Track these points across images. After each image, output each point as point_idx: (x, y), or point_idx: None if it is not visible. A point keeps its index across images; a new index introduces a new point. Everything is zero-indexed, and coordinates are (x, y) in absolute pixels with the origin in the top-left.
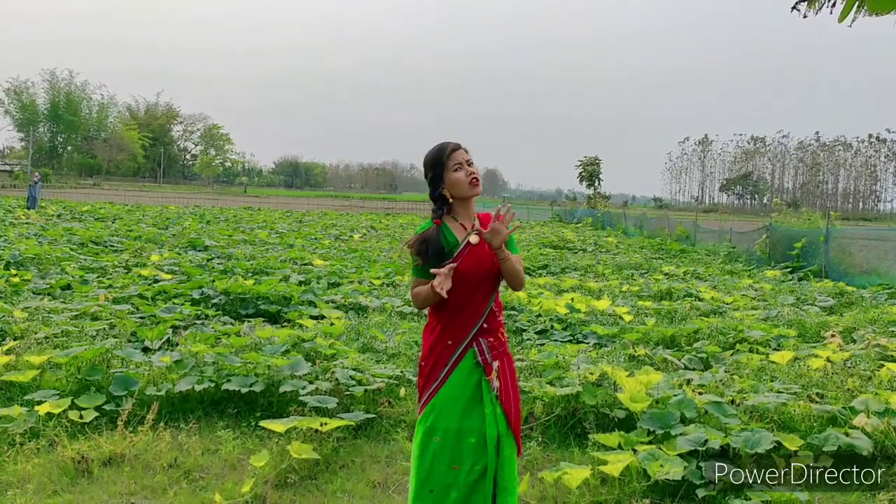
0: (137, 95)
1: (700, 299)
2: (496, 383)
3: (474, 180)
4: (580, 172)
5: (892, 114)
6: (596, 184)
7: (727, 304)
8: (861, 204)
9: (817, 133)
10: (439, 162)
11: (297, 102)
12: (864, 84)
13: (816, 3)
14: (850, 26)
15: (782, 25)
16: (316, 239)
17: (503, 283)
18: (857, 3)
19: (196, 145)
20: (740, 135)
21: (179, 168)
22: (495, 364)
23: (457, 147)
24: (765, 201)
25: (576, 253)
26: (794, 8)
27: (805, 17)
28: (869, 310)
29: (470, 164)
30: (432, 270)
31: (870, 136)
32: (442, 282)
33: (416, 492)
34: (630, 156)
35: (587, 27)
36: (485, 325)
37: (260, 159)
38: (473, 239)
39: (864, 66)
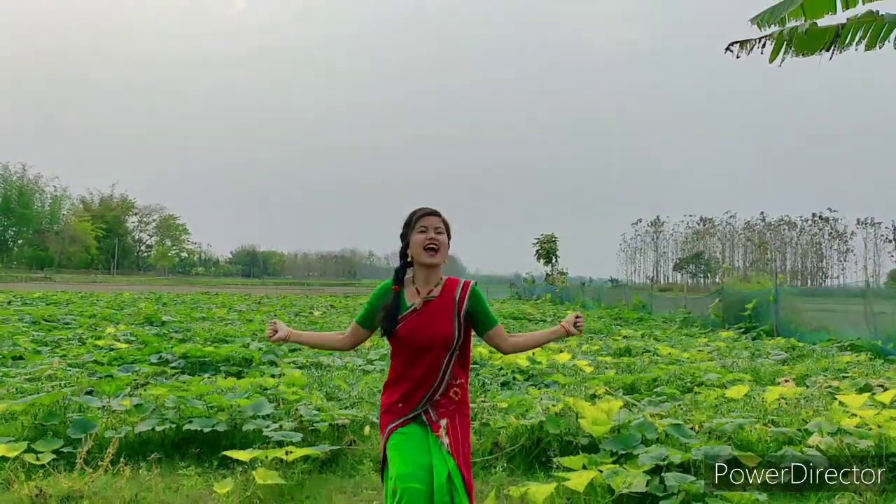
0: (92, 188)
1: (658, 355)
2: (446, 440)
3: (430, 246)
4: (537, 250)
5: (832, 193)
6: (553, 261)
7: (685, 359)
8: (809, 281)
9: (762, 213)
10: (409, 222)
11: (254, 191)
12: (803, 163)
13: (748, 45)
14: (780, 66)
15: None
16: (276, 315)
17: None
18: (784, 44)
19: (151, 236)
20: (690, 216)
21: (134, 259)
22: (443, 422)
23: (431, 213)
24: (717, 279)
25: (536, 323)
26: (727, 49)
27: (738, 57)
28: (820, 360)
29: (438, 231)
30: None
31: (813, 214)
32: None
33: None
34: (585, 239)
35: (537, 118)
36: (436, 397)
37: (217, 249)
38: (417, 303)
39: (802, 147)
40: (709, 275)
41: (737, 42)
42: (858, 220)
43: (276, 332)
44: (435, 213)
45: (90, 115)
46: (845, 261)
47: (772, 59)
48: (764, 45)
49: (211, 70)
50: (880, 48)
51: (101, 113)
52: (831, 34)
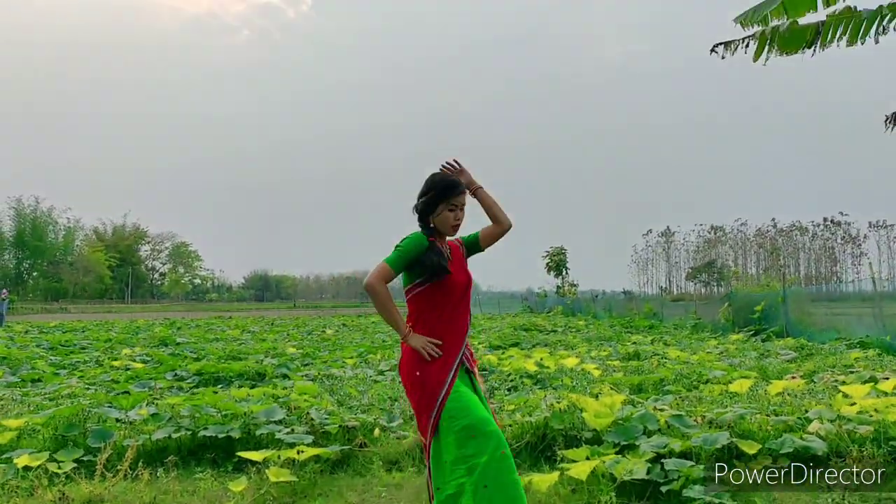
0: (105, 217)
1: (667, 358)
2: (483, 385)
3: (456, 226)
4: (547, 263)
5: (843, 197)
6: (563, 273)
7: (693, 361)
8: (824, 286)
9: (774, 219)
10: (445, 193)
11: (265, 215)
12: (814, 168)
13: (732, 46)
14: (765, 65)
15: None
16: (288, 335)
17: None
18: (767, 43)
19: (164, 264)
20: (700, 225)
21: (148, 287)
22: (476, 367)
23: (462, 190)
24: (731, 290)
25: (546, 334)
26: (712, 50)
27: (723, 58)
28: (829, 357)
29: (463, 207)
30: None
31: (825, 219)
32: (432, 350)
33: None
34: (597, 252)
35: (539, 130)
36: (470, 333)
37: (229, 275)
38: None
39: (812, 148)
40: (721, 283)
41: (721, 43)
42: (870, 223)
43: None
44: (464, 191)
45: (100, 145)
46: (859, 264)
47: (756, 59)
48: (748, 45)
49: (218, 93)
50: (862, 44)
51: (110, 142)
52: (812, 32)
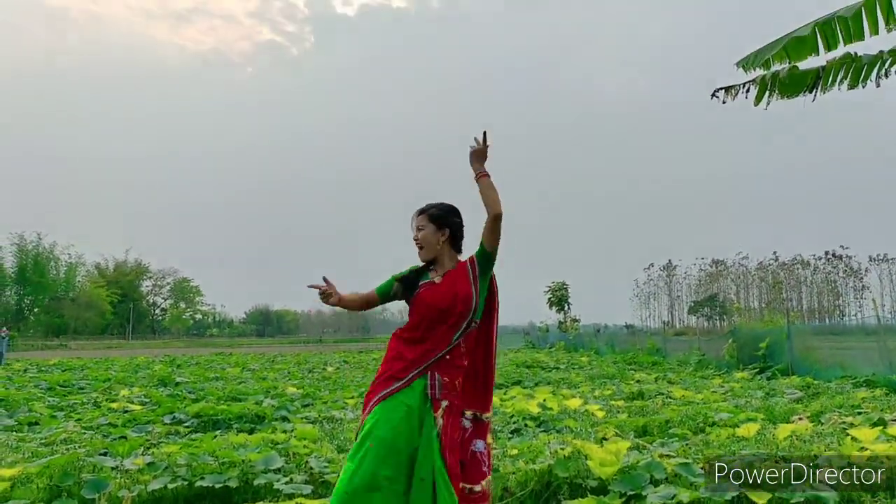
0: (106, 254)
1: (671, 397)
2: (440, 421)
3: (419, 248)
4: (549, 298)
5: (843, 231)
6: (565, 308)
7: (698, 400)
8: (827, 319)
9: (775, 253)
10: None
11: (267, 250)
12: (813, 201)
13: (733, 90)
14: (766, 108)
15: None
16: (289, 373)
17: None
18: (767, 88)
19: (165, 299)
20: (702, 258)
21: (149, 323)
22: (443, 403)
23: (416, 213)
24: (732, 324)
25: (549, 371)
26: (713, 95)
27: (724, 102)
28: (835, 397)
29: (419, 229)
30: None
31: (826, 253)
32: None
33: (343, 482)
34: (598, 286)
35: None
36: (447, 357)
37: (231, 310)
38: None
39: (810, 184)
40: (724, 317)
41: (722, 88)
42: (871, 256)
43: (330, 295)
44: (419, 213)
45: (102, 181)
46: (862, 297)
47: (756, 103)
48: (748, 90)
49: (221, 129)
50: (863, 87)
51: (112, 177)
52: (813, 76)
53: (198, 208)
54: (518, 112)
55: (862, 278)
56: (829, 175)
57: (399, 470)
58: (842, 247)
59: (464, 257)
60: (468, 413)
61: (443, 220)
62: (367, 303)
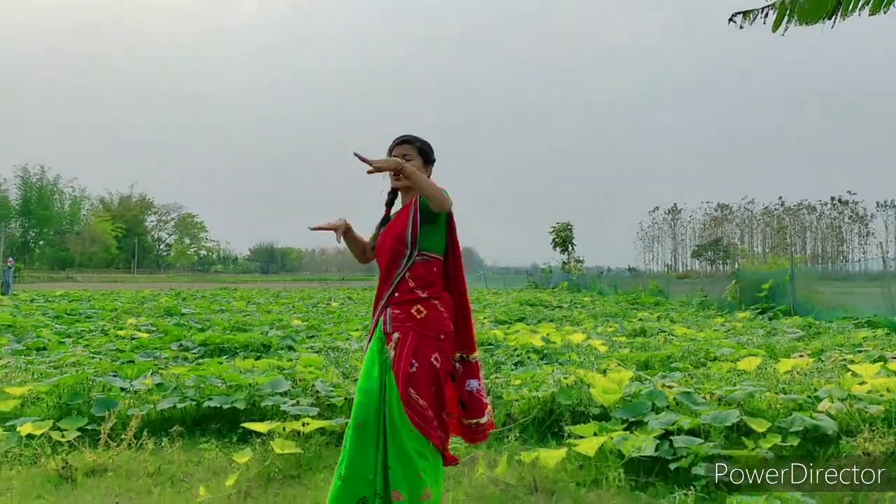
0: (111, 187)
1: (673, 335)
2: (391, 353)
3: (393, 174)
4: (553, 239)
5: (851, 176)
6: (570, 249)
7: (700, 338)
8: (830, 265)
9: (781, 198)
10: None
11: (271, 188)
12: (821, 146)
13: (751, 15)
14: (784, 35)
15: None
16: (293, 307)
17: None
18: (787, 13)
19: (170, 235)
20: (707, 202)
21: (154, 258)
22: (395, 335)
23: (400, 142)
24: (736, 266)
25: (552, 309)
26: (730, 20)
27: (741, 27)
28: (836, 336)
29: (406, 158)
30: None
31: (832, 198)
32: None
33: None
34: (602, 229)
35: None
36: (396, 295)
37: (235, 247)
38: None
39: (820, 128)
40: (727, 261)
41: (739, 13)
42: (878, 202)
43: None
44: (403, 142)
45: (107, 116)
46: (866, 244)
47: (775, 29)
48: (767, 15)
49: (226, 65)
50: (885, 12)
51: (117, 113)
52: (833, 1)
53: (203, 145)
54: (524, 49)
55: (868, 224)
56: (840, 120)
57: (369, 414)
58: (849, 192)
59: None
60: (456, 356)
61: (428, 155)
62: (363, 251)
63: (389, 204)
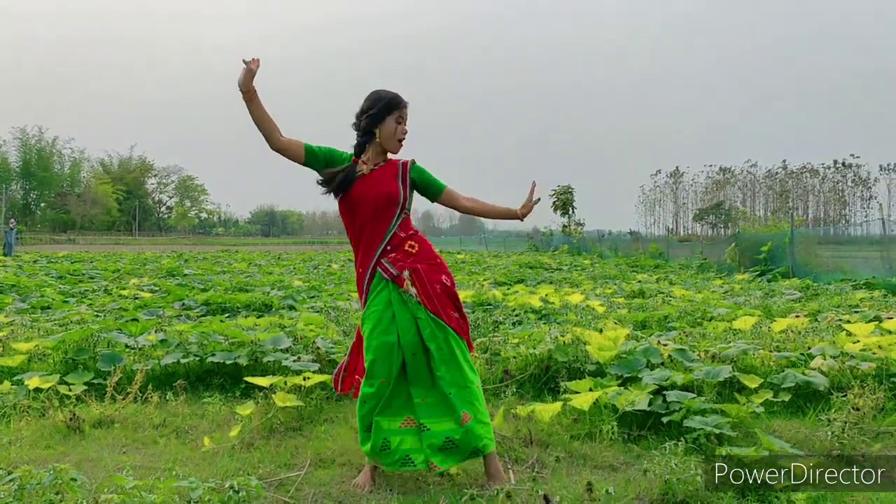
0: (111, 150)
1: (671, 296)
2: (412, 290)
3: (401, 140)
4: (554, 202)
5: (854, 139)
6: (570, 212)
7: (698, 299)
8: (832, 229)
9: (784, 161)
10: (388, 106)
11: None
12: (825, 110)
13: None
14: None
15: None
16: (294, 268)
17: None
18: None
19: (171, 197)
20: (710, 166)
21: (155, 220)
22: (405, 273)
23: (405, 103)
24: (738, 230)
25: (552, 272)
26: None
27: None
28: (834, 297)
29: (406, 123)
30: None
31: (835, 161)
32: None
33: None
34: (604, 192)
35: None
36: (388, 248)
37: (236, 210)
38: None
39: (823, 92)
40: (729, 225)
41: None
42: (881, 165)
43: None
44: (407, 104)
45: (105, 76)
46: (868, 207)
47: None
48: None
49: (225, 21)
50: None
51: (116, 73)
52: None
53: (203, 108)
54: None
55: (870, 187)
56: (847, 82)
57: (392, 368)
58: (852, 155)
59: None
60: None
61: None
62: (285, 146)
63: (359, 153)
